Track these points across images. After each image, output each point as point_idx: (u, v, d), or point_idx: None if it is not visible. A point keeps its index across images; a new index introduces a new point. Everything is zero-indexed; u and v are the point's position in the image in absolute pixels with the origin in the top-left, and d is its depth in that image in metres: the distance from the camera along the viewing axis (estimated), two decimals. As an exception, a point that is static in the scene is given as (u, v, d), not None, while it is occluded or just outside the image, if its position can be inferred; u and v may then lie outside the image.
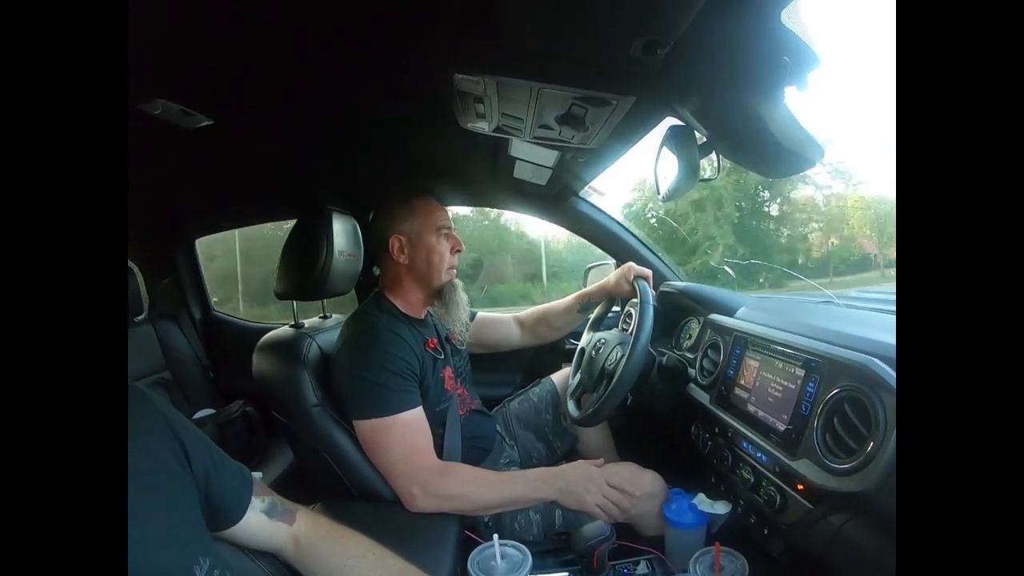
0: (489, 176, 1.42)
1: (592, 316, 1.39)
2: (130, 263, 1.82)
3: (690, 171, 0.84)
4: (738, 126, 0.73)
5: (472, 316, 1.39)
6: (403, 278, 1.16)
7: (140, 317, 1.83)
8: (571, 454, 1.38)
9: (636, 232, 1.63)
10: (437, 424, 1.09)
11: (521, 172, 1.29)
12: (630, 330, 1.10)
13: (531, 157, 1.14)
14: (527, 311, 1.50)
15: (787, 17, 0.55)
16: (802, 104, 0.68)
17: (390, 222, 1.15)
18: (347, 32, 0.72)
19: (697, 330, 1.24)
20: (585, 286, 1.57)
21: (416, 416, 1.02)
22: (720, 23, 0.55)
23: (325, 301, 1.34)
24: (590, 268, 1.69)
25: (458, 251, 1.19)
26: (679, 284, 1.42)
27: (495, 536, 0.86)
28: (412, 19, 0.66)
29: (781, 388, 0.82)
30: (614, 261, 1.61)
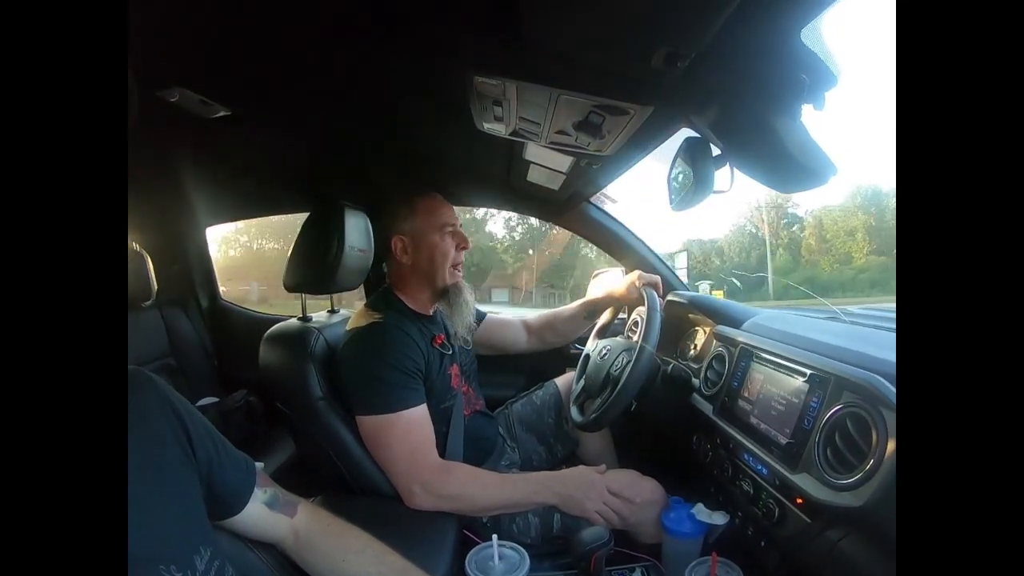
0: (502, 178, 1.43)
1: (598, 324, 1.40)
2: (140, 249, 1.83)
3: (703, 183, 0.84)
4: (754, 140, 0.73)
5: (481, 317, 1.40)
6: (408, 277, 1.16)
7: (147, 303, 1.84)
8: (571, 458, 1.38)
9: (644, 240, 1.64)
10: (441, 422, 1.09)
11: (535, 176, 1.29)
12: (636, 337, 1.10)
13: (545, 162, 1.15)
14: (535, 316, 1.51)
15: (807, 35, 0.56)
16: (817, 121, 0.69)
17: (392, 221, 1.15)
18: (371, 29, 0.73)
19: (702, 341, 1.24)
20: (591, 293, 1.58)
21: (419, 414, 1.02)
22: (741, 38, 0.56)
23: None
24: (597, 275, 1.69)
25: (464, 248, 1.18)
26: (687, 294, 1.42)
27: (494, 536, 0.86)
28: (438, 19, 0.67)
29: (784, 402, 0.82)
30: (622, 268, 1.61)
